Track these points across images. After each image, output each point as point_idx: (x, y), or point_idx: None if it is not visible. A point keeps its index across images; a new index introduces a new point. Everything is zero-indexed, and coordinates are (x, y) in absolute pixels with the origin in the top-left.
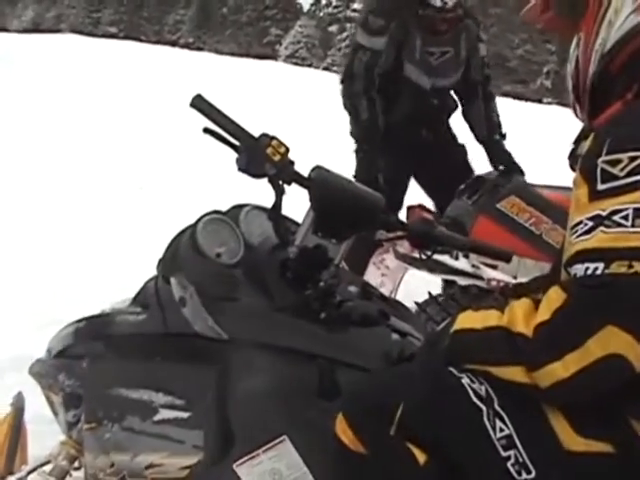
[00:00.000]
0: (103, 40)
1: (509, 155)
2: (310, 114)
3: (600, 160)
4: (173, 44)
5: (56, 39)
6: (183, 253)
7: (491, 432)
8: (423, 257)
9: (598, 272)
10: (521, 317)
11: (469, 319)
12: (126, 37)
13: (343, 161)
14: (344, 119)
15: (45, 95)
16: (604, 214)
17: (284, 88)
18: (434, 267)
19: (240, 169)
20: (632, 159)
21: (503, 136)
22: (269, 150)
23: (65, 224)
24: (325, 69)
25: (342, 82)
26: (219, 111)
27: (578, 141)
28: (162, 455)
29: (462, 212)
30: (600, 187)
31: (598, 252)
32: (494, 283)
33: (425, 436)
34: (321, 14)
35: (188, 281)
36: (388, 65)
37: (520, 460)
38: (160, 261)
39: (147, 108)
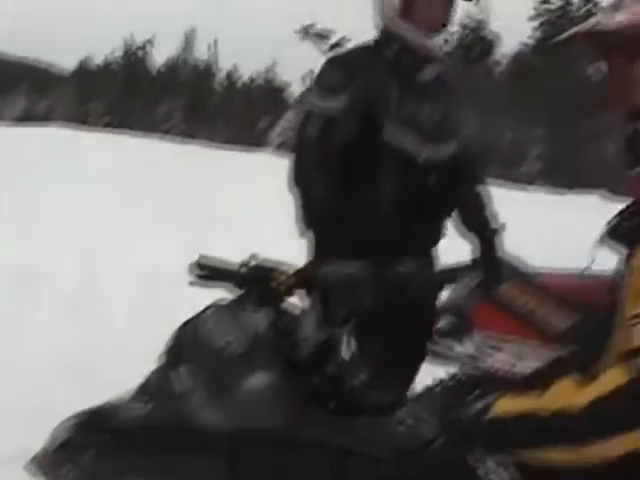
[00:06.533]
0: (93, 133)
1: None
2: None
3: None
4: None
5: (45, 132)
6: (189, 344)
7: None
8: None
9: None
10: (570, 396)
11: (507, 404)
12: (118, 125)
13: None
14: None
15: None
16: None
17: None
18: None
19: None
20: None
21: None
22: (273, 284)
23: None
24: None
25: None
26: (218, 270)
27: (621, 214)
28: None
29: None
30: None
31: None
32: (495, 368)
33: None
34: None
35: (195, 371)
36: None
37: None
38: (164, 352)
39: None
